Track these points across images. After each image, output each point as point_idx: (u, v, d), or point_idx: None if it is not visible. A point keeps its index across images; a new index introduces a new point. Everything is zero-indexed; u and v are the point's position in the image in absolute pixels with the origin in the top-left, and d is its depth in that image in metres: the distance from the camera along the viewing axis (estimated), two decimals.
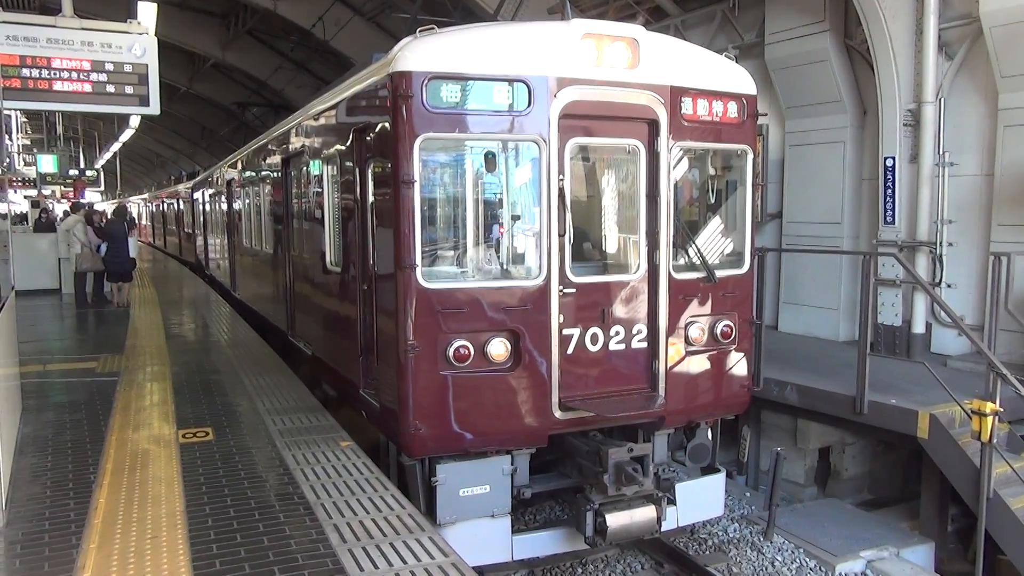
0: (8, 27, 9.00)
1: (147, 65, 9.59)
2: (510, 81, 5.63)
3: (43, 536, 4.65)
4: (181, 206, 26.83)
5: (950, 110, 9.56)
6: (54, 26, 9.24)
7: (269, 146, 11.03)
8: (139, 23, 9.65)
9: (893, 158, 9.93)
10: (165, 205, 33.29)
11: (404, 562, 4.34)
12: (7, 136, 24.29)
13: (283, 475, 5.70)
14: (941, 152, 9.49)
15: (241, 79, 27.45)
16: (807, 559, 7.26)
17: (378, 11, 19.24)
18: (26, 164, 32.71)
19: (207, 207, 19.58)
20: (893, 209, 10.01)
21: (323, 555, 4.41)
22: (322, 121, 7.88)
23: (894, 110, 9.86)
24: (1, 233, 7.00)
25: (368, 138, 6.29)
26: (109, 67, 9.43)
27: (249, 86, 27.63)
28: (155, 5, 9.79)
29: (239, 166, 14.26)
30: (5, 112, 9.94)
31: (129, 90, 9.60)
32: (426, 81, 5.42)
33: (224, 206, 16.17)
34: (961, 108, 9.56)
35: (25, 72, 9.10)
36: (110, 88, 9.50)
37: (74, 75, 9.32)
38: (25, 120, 34.20)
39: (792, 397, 8.45)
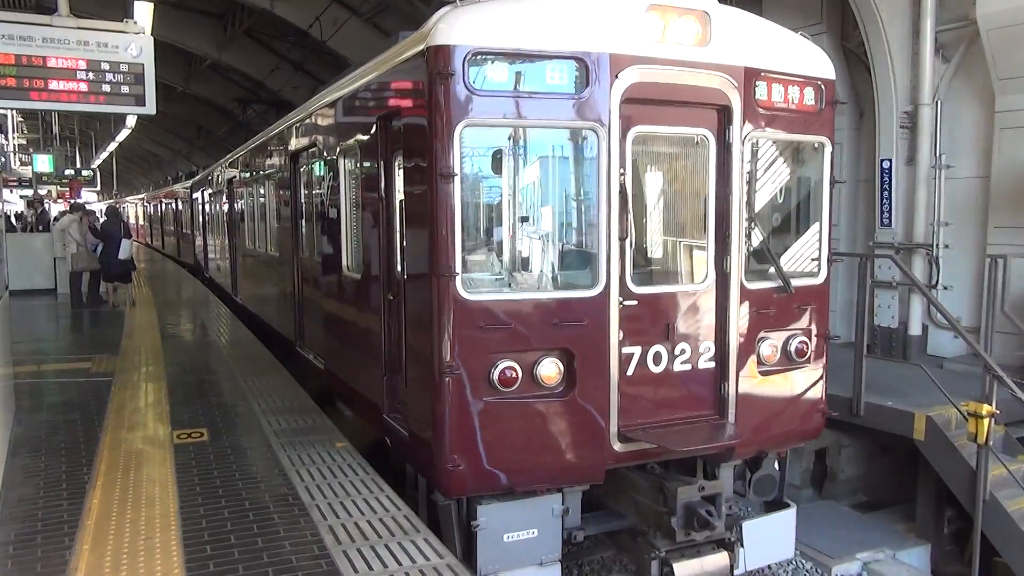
0: (3, 26, 8.98)
1: (143, 65, 9.55)
2: (565, 58, 4.89)
3: (36, 537, 4.63)
4: (180, 206, 26.72)
5: (947, 112, 9.58)
6: (50, 25, 9.21)
7: (276, 140, 10.27)
8: (135, 23, 9.62)
9: (890, 160, 9.94)
10: (163, 205, 33.19)
11: (399, 564, 4.33)
12: (3, 136, 24.26)
13: (278, 476, 5.68)
14: (938, 154, 9.52)
15: (238, 79, 27.43)
16: (803, 561, 7.25)
17: (375, 12, 19.23)
18: (22, 164, 32.64)
19: (207, 207, 19.24)
20: (890, 211, 10.02)
21: (318, 557, 4.40)
22: (339, 110, 7.11)
23: (891, 112, 9.86)
24: None
25: (397, 126, 5.54)
26: (105, 67, 9.39)
27: (246, 86, 27.60)
28: (151, 5, 9.79)
29: (242, 163, 13.47)
30: (0, 112, 9.92)
31: (125, 90, 9.56)
32: (469, 57, 4.66)
33: (226, 206, 15.74)
34: (958, 110, 9.57)
35: (20, 71, 9.08)
36: (106, 88, 9.46)
37: (70, 74, 9.31)
38: (21, 120, 34.12)
39: None
